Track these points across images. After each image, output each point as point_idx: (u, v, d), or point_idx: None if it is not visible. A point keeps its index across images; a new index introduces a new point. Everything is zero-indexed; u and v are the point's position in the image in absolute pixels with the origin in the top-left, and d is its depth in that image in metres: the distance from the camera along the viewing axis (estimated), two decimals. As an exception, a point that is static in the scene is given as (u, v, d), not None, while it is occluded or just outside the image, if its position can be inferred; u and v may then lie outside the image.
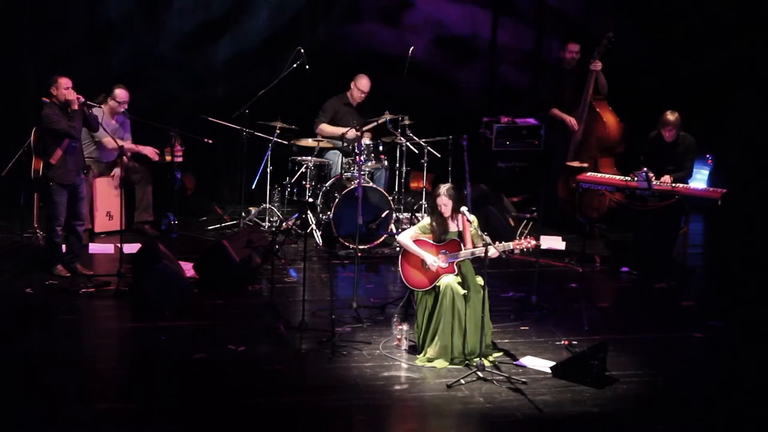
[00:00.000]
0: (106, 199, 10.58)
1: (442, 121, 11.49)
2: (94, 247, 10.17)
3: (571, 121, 11.10)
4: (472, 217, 7.79)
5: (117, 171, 10.36)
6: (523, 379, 7.43)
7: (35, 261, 9.58)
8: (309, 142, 10.83)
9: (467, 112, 12.27)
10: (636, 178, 9.84)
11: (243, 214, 11.01)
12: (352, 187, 10.18)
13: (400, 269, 7.92)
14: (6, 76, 11.41)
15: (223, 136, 11.26)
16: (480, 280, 7.77)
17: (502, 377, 7.46)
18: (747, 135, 12.04)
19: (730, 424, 7.07)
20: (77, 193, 9.28)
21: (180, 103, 11.76)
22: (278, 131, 10.82)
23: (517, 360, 7.80)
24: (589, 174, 10.44)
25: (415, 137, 10.82)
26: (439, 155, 10.86)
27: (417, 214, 10.85)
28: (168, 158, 10.69)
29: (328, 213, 10.29)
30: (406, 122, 10.83)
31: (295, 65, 10.96)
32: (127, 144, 10.47)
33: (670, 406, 7.23)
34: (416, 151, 10.91)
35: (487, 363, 7.61)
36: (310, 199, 10.57)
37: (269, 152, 10.84)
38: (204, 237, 10.69)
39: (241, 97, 11.08)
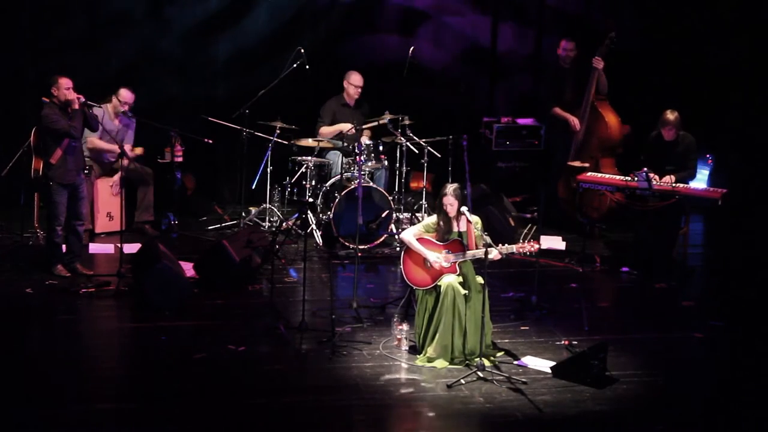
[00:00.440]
0: (107, 200, 10.58)
1: (442, 121, 11.49)
2: (94, 247, 10.16)
3: (574, 120, 11.08)
4: (475, 218, 7.80)
5: (116, 178, 10.35)
6: (523, 379, 7.42)
7: (35, 261, 9.57)
8: (309, 142, 10.81)
9: (467, 112, 12.26)
10: (636, 178, 9.83)
11: (243, 214, 11.01)
12: (352, 187, 10.18)
13: (401, 267, 7.92)
14: (6, 76, 11.40)
15: (223, 136, 11.26)
16: (480, 280, 7.78)
17: (502, 377, 7.45)
18: (747, 135, 12.03)
19: (730, 424, 7.07)
20: (77, 193, 9.27)
21: (180, 103, 11.76)
22: (278, 131, 10.82)
23: (518, 360, 7.81)
24: (589, 174, 10.43)
25: (415, 137, 10.81)
26: (439, 155, 10.84)
27: (417, 214, 10.85)
28: (168, 158, 10.72)
29: (328, 213, 10.29)
30: (406, 122, 10.82)
31: (295, 65, 10.96)
32: (100, 143, 10.39)
33: (670, 406, 7.23)
34: (416, 151, 10.89)
35: (487, 363, 7.61)
36: (310, 199, 10.57)
37: (269, 152, 10.83)
38: (204, 237, 10.69)
39: (241, 97, 11.08)
